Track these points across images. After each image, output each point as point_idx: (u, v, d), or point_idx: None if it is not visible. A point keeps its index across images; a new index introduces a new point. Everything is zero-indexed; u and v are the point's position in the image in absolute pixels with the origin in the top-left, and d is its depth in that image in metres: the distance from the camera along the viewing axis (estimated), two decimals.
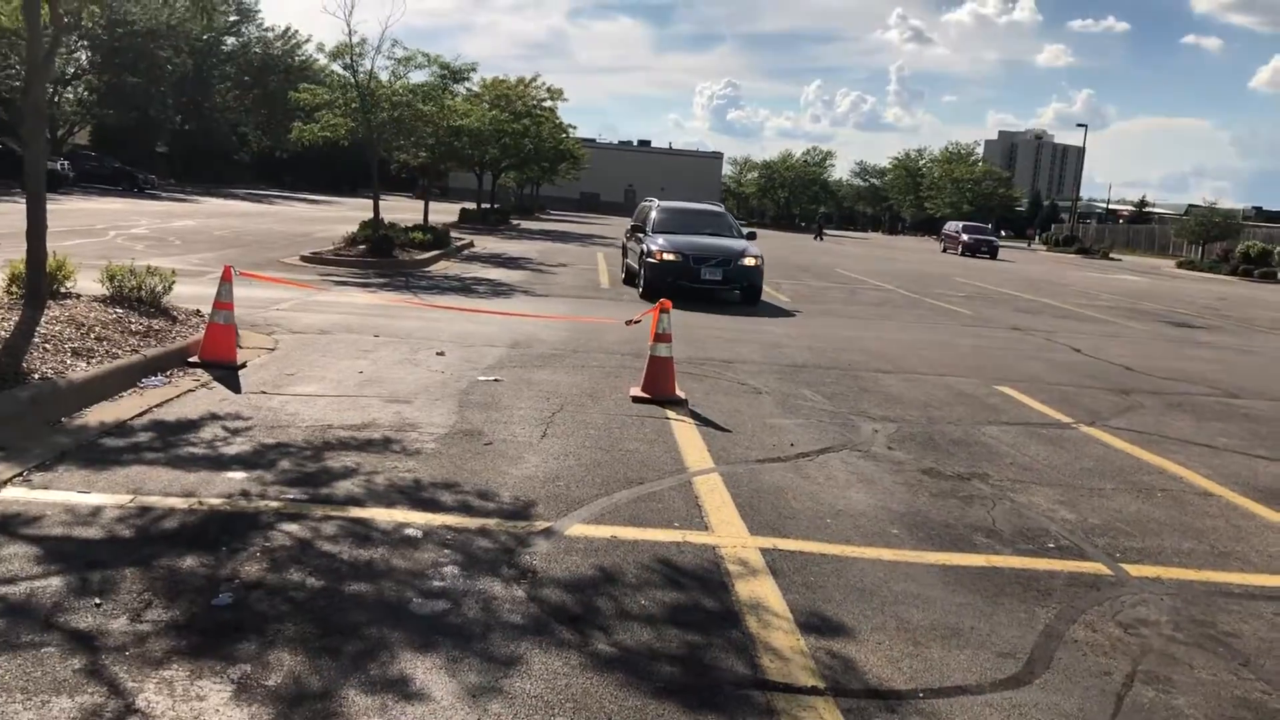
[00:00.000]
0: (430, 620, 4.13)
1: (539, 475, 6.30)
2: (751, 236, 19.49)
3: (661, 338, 8.90)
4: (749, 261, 17.68)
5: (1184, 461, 8.05)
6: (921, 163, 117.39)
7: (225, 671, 3.59)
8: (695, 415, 8.38)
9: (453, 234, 29.60)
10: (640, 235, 18.81)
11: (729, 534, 5.45)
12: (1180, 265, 64.18)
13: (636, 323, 9.76)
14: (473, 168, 40.96)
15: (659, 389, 8.88)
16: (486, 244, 31.46)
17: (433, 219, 29.92)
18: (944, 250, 60.37)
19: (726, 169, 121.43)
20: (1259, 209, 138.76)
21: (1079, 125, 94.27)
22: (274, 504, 5.36)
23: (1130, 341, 17.13)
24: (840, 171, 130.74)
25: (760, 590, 4.69)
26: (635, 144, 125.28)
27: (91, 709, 3.29)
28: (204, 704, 3.37)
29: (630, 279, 19.94)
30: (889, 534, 5.69)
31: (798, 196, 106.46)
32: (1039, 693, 3.87)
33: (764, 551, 5.21)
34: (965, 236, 59.28)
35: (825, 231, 75.23)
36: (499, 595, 4.42)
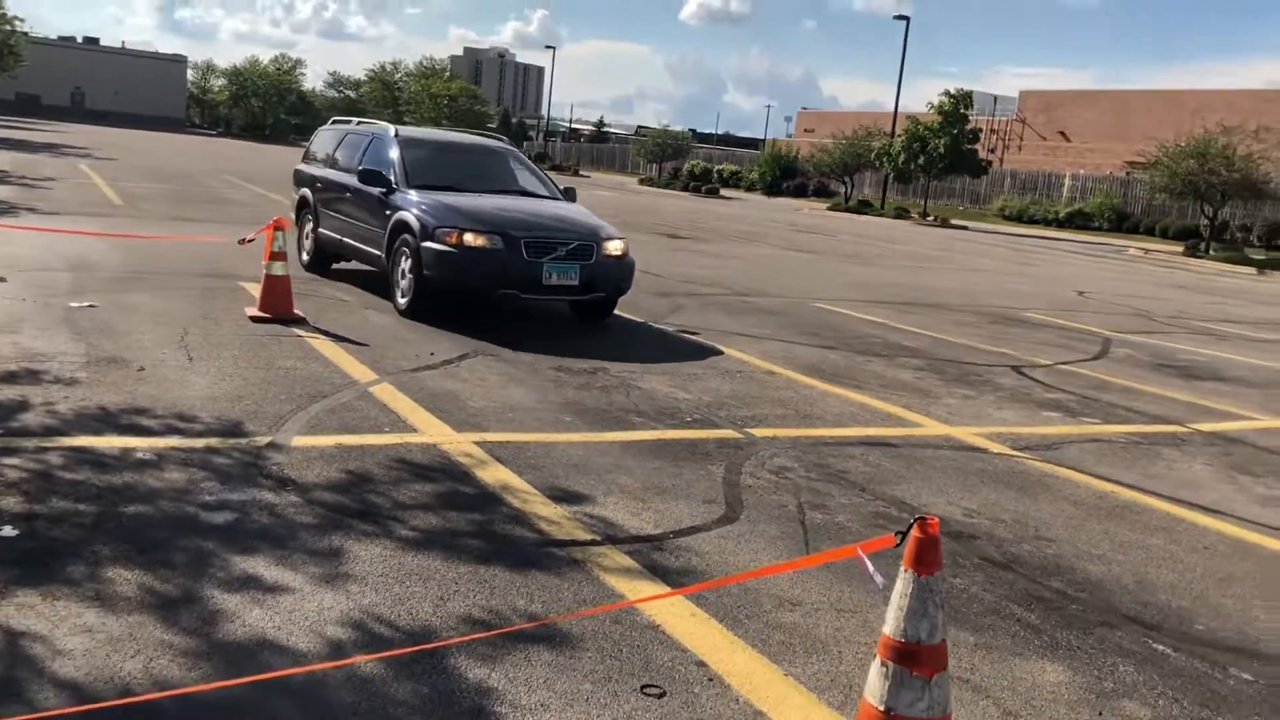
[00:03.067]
0: (231, 529, 4.34)
1: (221, 396, 6.36)
2: (570, 195, 11.25)
3: (277, 256, 8.93)
4: (614, 249, 9.88)
5: (741, 348, 9.77)
6: (397, 76, 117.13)
7: (74, 592, 3.63)
8: (324, 332, 8.62)
9: None
10: (376, 192, 10.29)
11: (439, 433, 6.03)
12: (641, 182, 71.04)
13: (250, 241, 9.59)
14: None
15: (278, 308, 8.95)
16: None
17: None
18: None
19: (190, 74, 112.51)
20: (694, 131, 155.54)
21: (548, 47, 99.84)
22: None
23: (643, 251, 19.32)
24: (312, 81, 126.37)
25: (500, 475, 5.38)
26: (81, 40, 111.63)
27: None
28: (81, 620, 3.45)
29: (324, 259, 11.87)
30: (564, 421, 6.59)
31: (272, 106, 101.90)
32: (748, 525, 5.01)
33: (479, 444, 5.87)
34: None
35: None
36: (277, 502, 4.69)
